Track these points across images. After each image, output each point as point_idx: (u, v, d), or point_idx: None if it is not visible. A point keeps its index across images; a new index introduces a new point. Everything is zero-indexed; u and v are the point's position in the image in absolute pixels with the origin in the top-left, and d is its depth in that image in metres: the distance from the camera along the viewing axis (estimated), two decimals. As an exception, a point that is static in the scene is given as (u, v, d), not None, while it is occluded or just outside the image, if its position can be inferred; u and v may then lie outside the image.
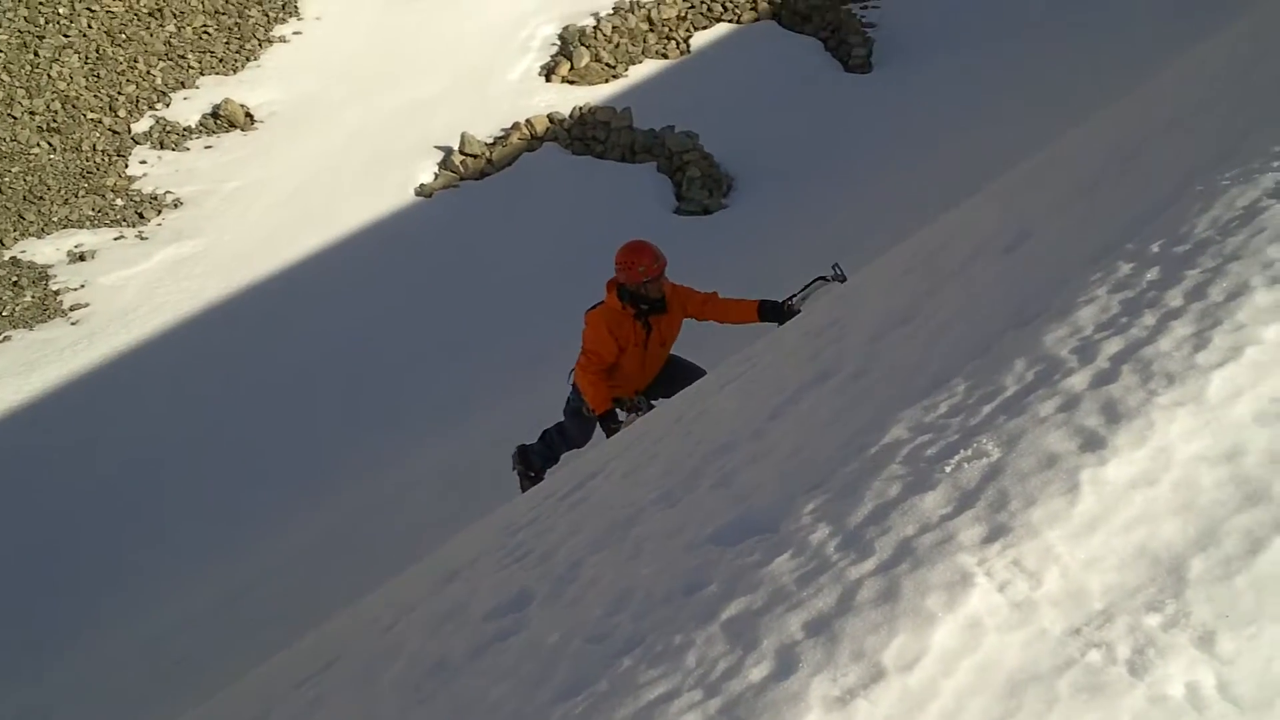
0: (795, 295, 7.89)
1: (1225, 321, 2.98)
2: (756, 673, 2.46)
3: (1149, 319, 3.15)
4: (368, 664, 4.12)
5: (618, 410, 7.77)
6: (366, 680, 3.94)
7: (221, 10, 23.00)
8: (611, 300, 7.65)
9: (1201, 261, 3.34)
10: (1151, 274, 3.42)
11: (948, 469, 2.87)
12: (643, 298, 7.60)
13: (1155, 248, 3.59)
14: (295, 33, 23.47)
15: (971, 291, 4.29)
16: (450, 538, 6.44)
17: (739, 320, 7.89)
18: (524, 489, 8.27)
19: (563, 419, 8.49)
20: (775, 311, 7.73)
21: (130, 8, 22.03)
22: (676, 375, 7.87)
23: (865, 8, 25.21)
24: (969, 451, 2.90)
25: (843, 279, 7.60)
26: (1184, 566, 2.32)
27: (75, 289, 17.03)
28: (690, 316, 7.92)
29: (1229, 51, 6.33)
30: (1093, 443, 2.73)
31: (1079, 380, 3.01)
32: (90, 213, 18.64)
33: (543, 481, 7.89)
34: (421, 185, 19.31)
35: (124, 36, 21.68)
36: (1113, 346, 3.10)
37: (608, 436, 7.50)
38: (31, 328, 16.29)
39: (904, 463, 3.03)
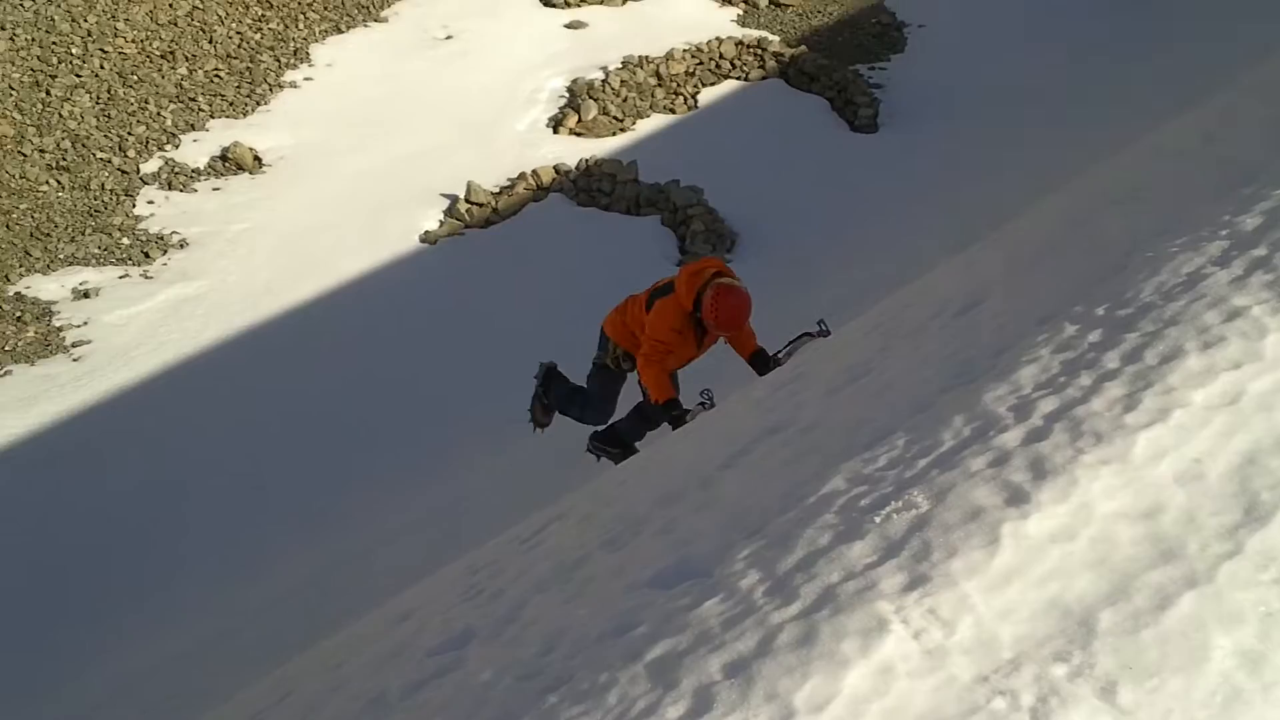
0: (781, 350, 7.96)
1: (1157, 384, 3.05)
2: (673, 711, 2.51)
3: (1085, 380, 3.22)
4: (312, 699, 4.16)
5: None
6: (308, 715, 3.98)
7: (234, 55, 23.19)
8: (686, 301, 7.48)
9: (1142, 325, 3.41)
10: (1093, 336, 3.49)
11: (878, 519, 2.92)
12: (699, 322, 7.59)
13: (1100, 311, 3.66)
14: (306, 79, 23.62)
15: (924, 351, 4.36)
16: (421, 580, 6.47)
17: (739, 351, 7.97)
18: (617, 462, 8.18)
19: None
20: (761, 361, 7.81)
21: (143, 50, 22.22)
22: None
23: (872, 69, 25.41)
24: (899, 503, 2.96)
25: (827, 334, 7.67)
26: (1093, 619, 2.37)
27: (78, 326, 17.05)
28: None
29: (1192, 130, 6.42)
30: (1017, 497, 2.79)
31: (1012, 437, 3.07)
32: (96, 251, 18.72)
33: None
34: (426, 232, 19.37)
35: (135, 78, 21.86)
36: (1048, 405, 3.16)
37: (674, 428, 7.39)
38: (33, 363, 16.32)
39: (838, 513, 3.08)
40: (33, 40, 21.50)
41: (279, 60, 23.69)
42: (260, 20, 24.00)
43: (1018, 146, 20.45)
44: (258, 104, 22.71)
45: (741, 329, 7.68)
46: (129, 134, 20.97)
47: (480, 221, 19.71)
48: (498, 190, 20.24)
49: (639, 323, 7.87)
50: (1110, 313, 3.61)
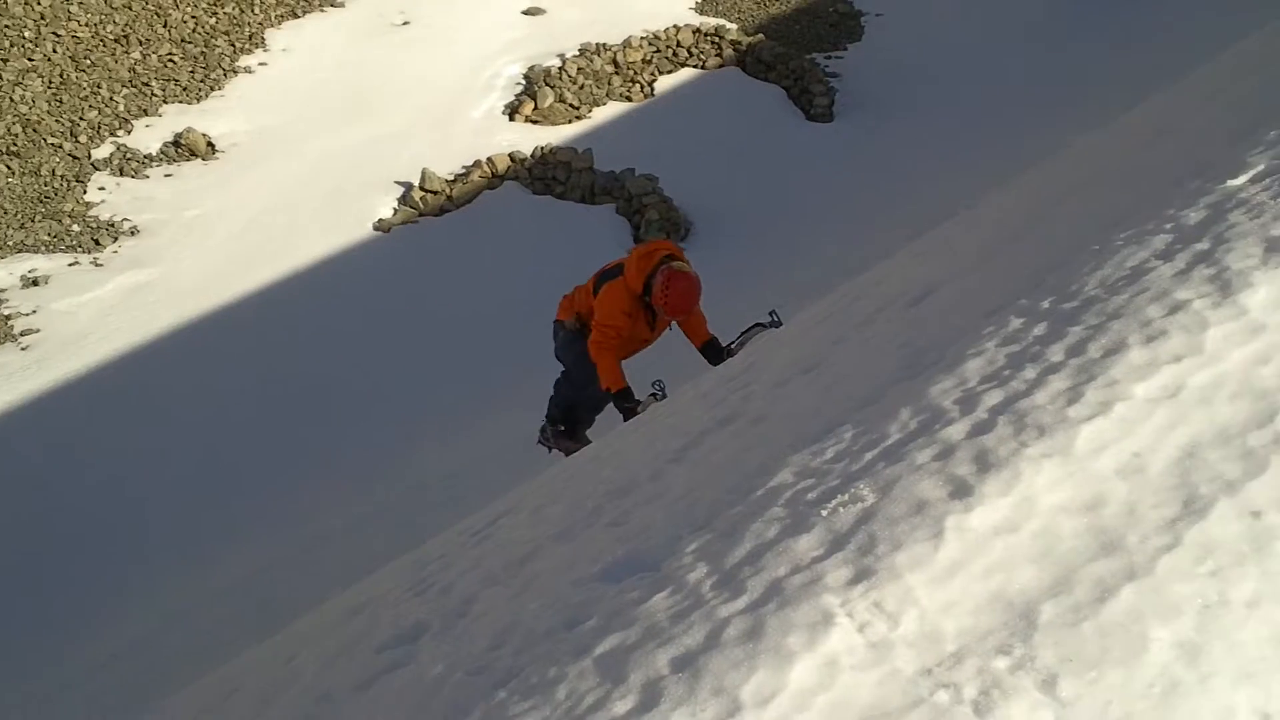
0: (734, 340, 8.00)
1: (1100, 377, 3.07)
2: (621, 706, 2.52)
3: (1030, 373, 3.24)
4: (263, 695, 4.15)
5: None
6: (259, 711, 3.97)
7: (188, 39, 22.99)
8: (635, 284, 7.57)
9: (1086, 319, 3.44)
10: (1039, 329, 3.52)
11: (824, 513, 2.94)
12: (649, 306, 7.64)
13: (1046, 304, 3.69)
14: (261, 64, 23.46)
15: (873, 343, 4.38)
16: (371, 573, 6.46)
17: (691, 340, 8.04)
18: (568, 454, 8.27)
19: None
20: (713, 351, 7.88)
21: (96, 34, 21.99)
22: None
23: (829, 58, 25.48)
24: (846, 496, 2.97)
25: (778, 325, 7.70)
26: (1035, 612, 2.40)
27: (27, 314, 16.87)
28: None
29: (1149, 121, 6.48)
30: (962, 490, 2.81)
31: (957, 430, 3.09)
32: (46, 238, 18.51)
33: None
34: (380, 220, 19.28)
35: (89, 62, 21.63)
36: (993, 398, 3.19)
37: (625, 419, 7.47)
38: (-20, 351, 16.19)
39: (785, 505, 3.10)
40: (-17, 24, 21.27)
41: (234, 45, 23.53)
42: (216, 5, 23.82)
43: (974, 137, 20.58)
44: (212, 89, 22.56)
45: (691, 313, 7.72)
46: (81, 119, 20.77)
47: (434, 209, 19.65)
48: (452, 178, 20.18)
49: (588, 308, 7.90)
50: (1055, 306, 3.64)
